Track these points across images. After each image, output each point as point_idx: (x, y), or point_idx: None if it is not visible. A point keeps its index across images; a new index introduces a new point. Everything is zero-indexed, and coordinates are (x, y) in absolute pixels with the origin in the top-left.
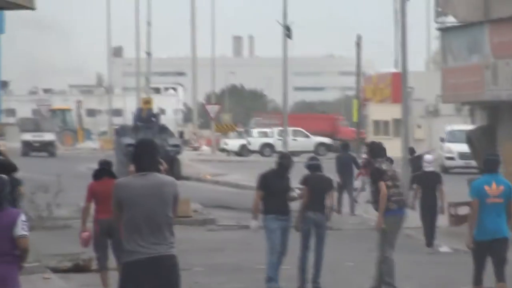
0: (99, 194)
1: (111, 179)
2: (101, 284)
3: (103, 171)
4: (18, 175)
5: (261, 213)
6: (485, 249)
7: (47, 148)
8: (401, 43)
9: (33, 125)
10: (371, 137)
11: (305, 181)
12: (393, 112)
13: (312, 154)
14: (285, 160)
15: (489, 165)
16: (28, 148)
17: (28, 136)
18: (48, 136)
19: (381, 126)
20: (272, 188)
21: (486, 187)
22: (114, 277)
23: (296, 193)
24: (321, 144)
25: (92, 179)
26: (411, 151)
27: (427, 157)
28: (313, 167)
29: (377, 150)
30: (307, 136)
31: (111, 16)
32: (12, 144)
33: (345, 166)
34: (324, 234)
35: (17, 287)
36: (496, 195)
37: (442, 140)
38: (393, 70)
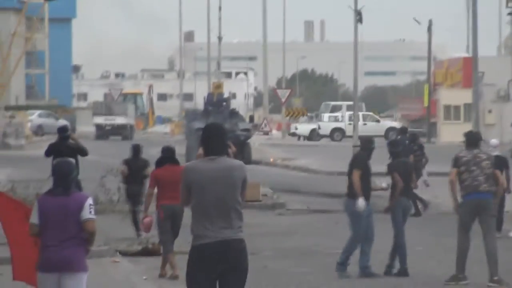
0: (162, 181)
1: (174, 166)
2: (168, 267)
3: (166, 158)
4: (89, 158)
5: (347, 196)
6: None
7: (119, 131)
8: (472, 28)
9: (105, 108)
10: (441, 122)
11: (394, 168)
12: (464, 97)
13: (393, 139)
14: (372, 145)
15: None
16: (101, 131)
17: (100, 120)
18: (120, 120)
19: (452, 111)
20: (367, 170)
21: None
22: (180, 260)
23: (385, 183)
24: (391, 128)
25: (155, 166)
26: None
27: (493, 141)
28: (397, 153)
29: (471, 140)
30: (377, 121)
31: (183, 1)
32: (84, 128)
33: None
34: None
35: (84, 270)
36: None
37: None
38: (465, 54)
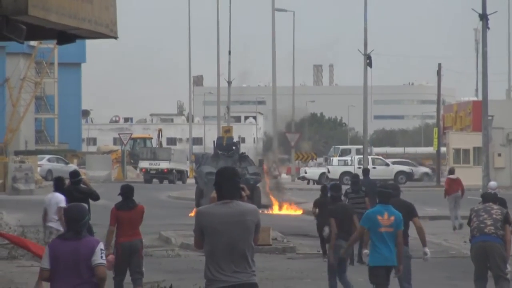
0: (122, 219)
1: (133, 205)
2: None
3: (125, 204)
4: (100, 203)
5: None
6: (381, 273)
7: (165, 175)
8: (482, 72)
9: (150, 154)
10: (451, 166)
11: (332, 212)
12: (473, 140)
13: (334, 183)
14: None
15: (381, 196)
16: (147, 176)
17: (145, 164)
18: (164, 164)
19: (461, 155)
20: None
21: (379, 217)
22: None
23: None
24: (401, 172)
25: (115, 207)
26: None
27: (492, 183)
28: (338, 198)
29: (487, 198)
30: (387, 165)
31: (192, 45)
32: (94, 172)
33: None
34: None
35: None
36: (387, 224)
37: None
38: (474, 98)
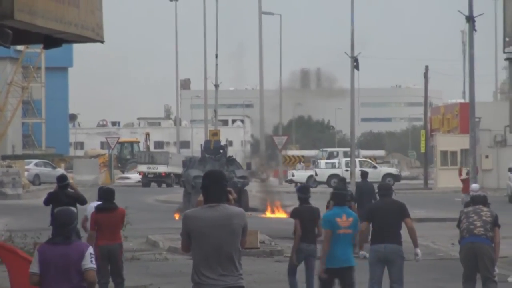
0: (102, 223)
1: (112, 209)
2: None
3: (104, 207)
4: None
5: (399, 244)
6: (334, 276)
7: (162, 179)
8: (469, 74)
9: (148, 158)
10: (438, 168)
11: (297, 213)
12: (460, 142)
13: (303, 185)
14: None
15: (338, 199)
16: (145, 179)
17: (144, 168)
18: (162, 168)
19: (448, 157)
20: None
21: (338, 219)
22: None
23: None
24: (388, 174)
25: (95, 210)
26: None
27: (474, 186)
28: (305, 199)
29: (476, 201)
30: (374, 167)
31: (179, 48)
32: (81, 177)
33: (364, 195)
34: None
35: None
36: (346, 226)
37: (510, 170)
38: (461, 100)
